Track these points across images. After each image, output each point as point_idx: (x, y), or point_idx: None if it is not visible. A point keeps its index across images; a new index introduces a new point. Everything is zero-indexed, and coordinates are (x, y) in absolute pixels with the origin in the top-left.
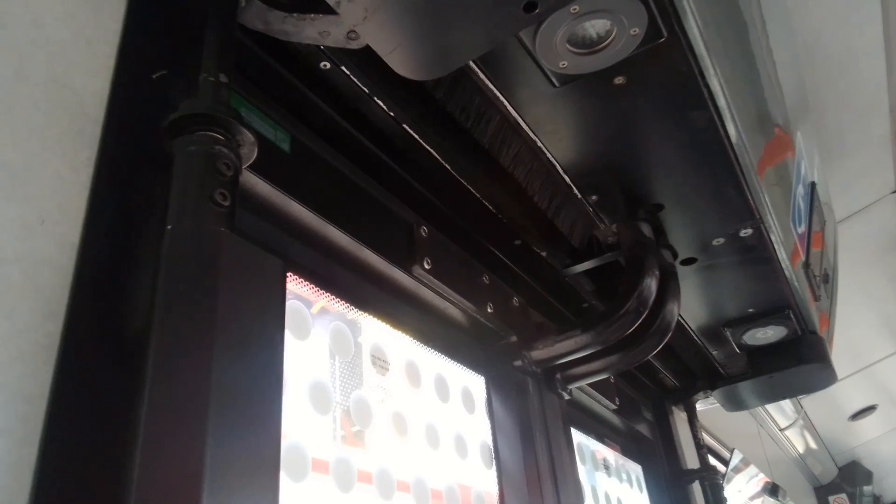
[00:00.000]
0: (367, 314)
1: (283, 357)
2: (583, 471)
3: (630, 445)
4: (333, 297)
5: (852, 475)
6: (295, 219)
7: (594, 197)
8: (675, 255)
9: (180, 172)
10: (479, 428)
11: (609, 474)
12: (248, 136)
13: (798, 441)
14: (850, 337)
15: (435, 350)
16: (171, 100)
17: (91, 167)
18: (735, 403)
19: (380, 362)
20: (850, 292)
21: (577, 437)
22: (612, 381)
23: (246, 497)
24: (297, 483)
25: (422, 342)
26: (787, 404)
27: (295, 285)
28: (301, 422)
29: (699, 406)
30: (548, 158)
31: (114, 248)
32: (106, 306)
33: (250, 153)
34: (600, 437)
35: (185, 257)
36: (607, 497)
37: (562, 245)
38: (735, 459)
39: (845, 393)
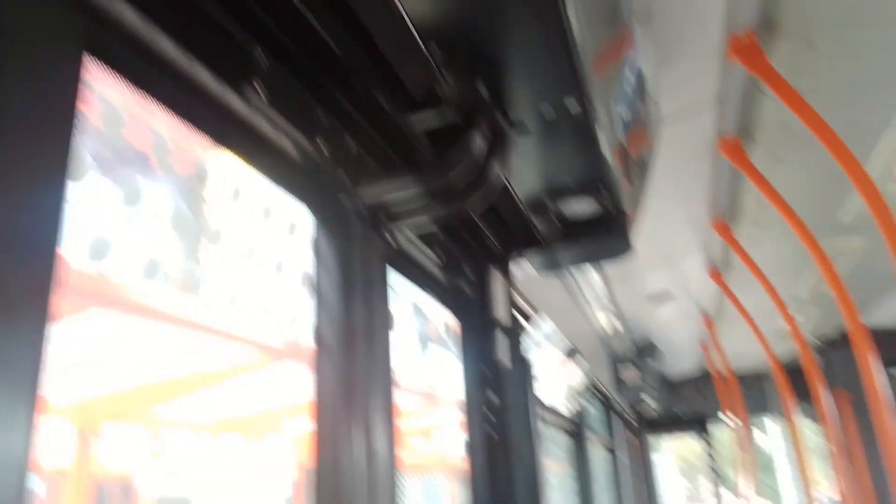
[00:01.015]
0: (195, 130)
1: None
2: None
3: (451, 300)
4: (160, 104)
5: (645, 352)
6: (118, 20)
7: (439, 53)
8: (508, 120)
9: None
10: (302, 260)
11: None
12: None
13: (603, 319)
14: (661, 230)
15: (265, 178)
16: None
17: None
18: (547, 266)
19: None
20: (665, 189)
21: (411, 300)
22: (441, 238)
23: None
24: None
25: (253, 168)
26: (598, 286)
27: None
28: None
29: (519, 274)
30: (398, 7)
31: None
32: None
33: None
34: (422, 285)
35: None
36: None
37: (403, 96)
38: (542, 324)
39: (649, 278)
